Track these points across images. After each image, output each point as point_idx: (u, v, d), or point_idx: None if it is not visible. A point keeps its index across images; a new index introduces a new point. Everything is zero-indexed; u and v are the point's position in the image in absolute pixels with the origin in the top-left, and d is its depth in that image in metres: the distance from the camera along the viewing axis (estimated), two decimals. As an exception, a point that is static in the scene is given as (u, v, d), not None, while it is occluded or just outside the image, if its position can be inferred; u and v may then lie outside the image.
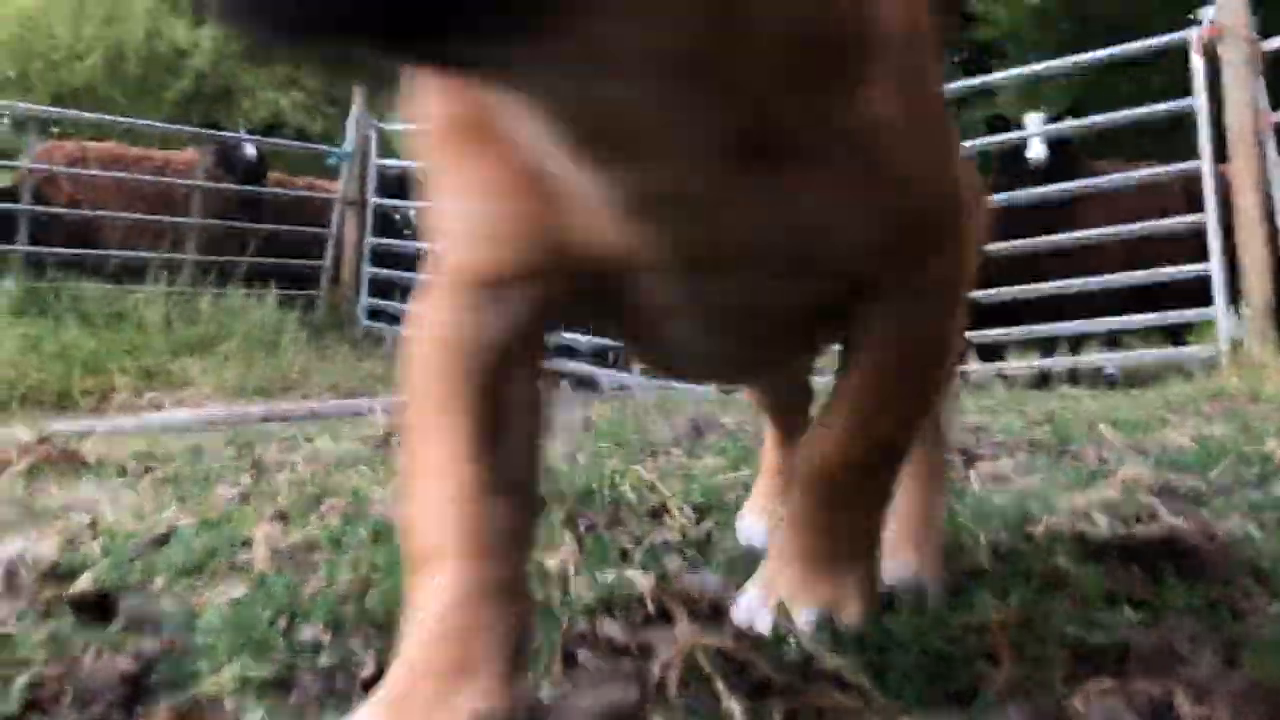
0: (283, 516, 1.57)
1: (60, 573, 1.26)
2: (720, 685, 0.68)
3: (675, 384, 7.04)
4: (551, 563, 1.12)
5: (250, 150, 8.30)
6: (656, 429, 2.91)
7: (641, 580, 0.98)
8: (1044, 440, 2.37)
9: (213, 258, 7.74)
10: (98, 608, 0.98)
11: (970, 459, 2.04)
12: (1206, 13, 5.08)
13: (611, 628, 0.86)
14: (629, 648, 0.83)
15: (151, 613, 1.01)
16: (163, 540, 1.48)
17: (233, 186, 8.16)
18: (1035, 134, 6.41)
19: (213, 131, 8.76)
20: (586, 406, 4.55)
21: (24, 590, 1.16)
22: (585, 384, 8.93)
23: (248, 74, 19.68)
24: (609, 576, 1.00)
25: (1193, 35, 5.08)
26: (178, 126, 11.79)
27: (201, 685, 0.80)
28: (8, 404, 4.71)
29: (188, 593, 1.15)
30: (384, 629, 0.94)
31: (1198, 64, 5.09)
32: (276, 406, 5.28)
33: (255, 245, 7.85)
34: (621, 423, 3.17)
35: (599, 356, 9.42)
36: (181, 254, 7.69)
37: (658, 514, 1.56)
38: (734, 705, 0.66)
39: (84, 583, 1.13)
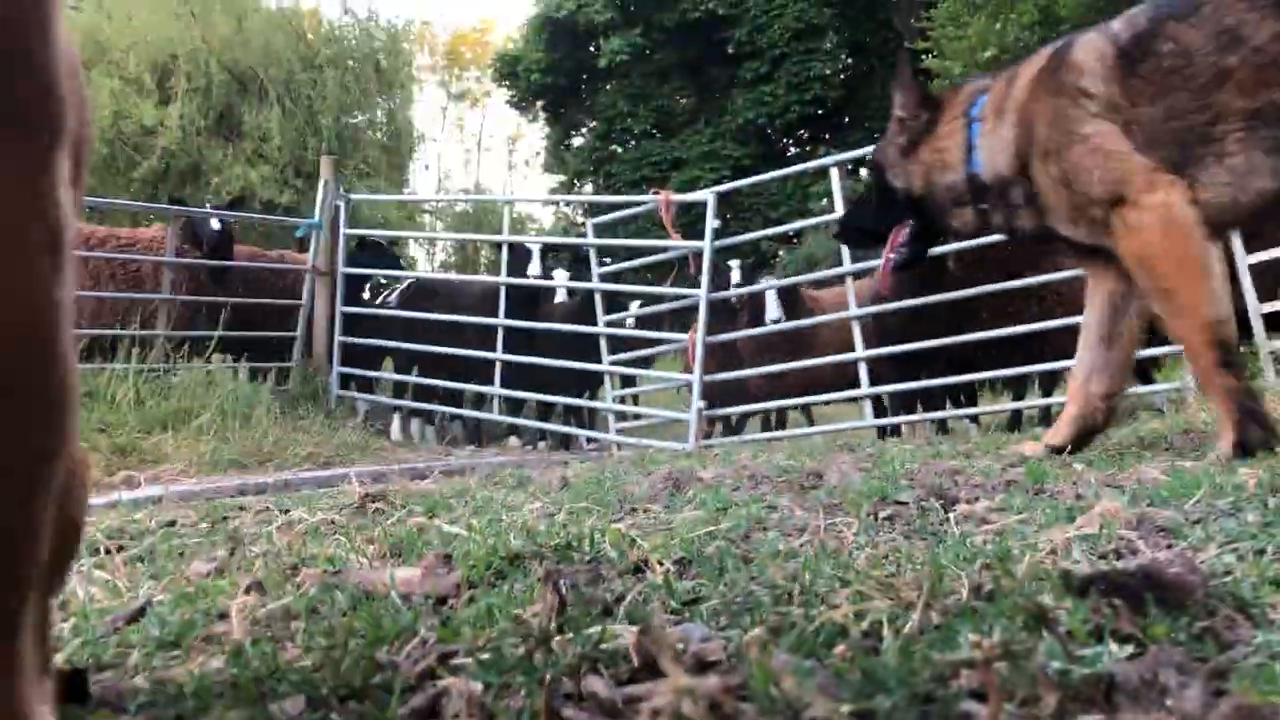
0: (259, 587, 1.55)
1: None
2: (707, 731, 0.67)
3: (653, 441, 7.04)
4: (533, 620, 1.10)
5: (215, 224, 8.30)
6: (634, 485, 2.90)
7: (625, 634, 0.97)
8: (1020, 480, 2.38)
9: (184, 332, 7.72)
10: (71, 687, 0.96)
11: (948, 501, 2.04)
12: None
13: (596, 683, 0.84)
14: (615, 703, 0.82)
15: (126, 689, 0.99)
16: (137, 616, 1.46)
17: (200, 260, 8.16)
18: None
19: (178, 208, 8.75)
20: (563, 465, 4.53)
21: None
22: (561, 443, 8.92)
23: (216, 150, 19.77)
24: (592, 632, 0.99)
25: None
26: (142, 204, 11.79)
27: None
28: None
29: (164, 668, 1.13)
30: (363, 696, 0.92)
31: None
32: (250, 479, 5.23)
33: (227, 318, 7.83)
34: (599, 480, 3.16)
35: (574, 414, 9.42)
36: (152, 329, 7.65)
37: (639, 569, 1.55)
38: (722, 752, 0.65)
39: (59, 660, 1.10)
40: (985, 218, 3.22)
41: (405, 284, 9.55)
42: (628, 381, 9.17)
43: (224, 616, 1.37)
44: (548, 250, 9.21)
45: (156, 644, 1.24)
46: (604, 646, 0.96)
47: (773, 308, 8.18)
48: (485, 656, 0.94)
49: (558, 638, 0.99)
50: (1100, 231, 2.92)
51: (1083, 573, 1.09)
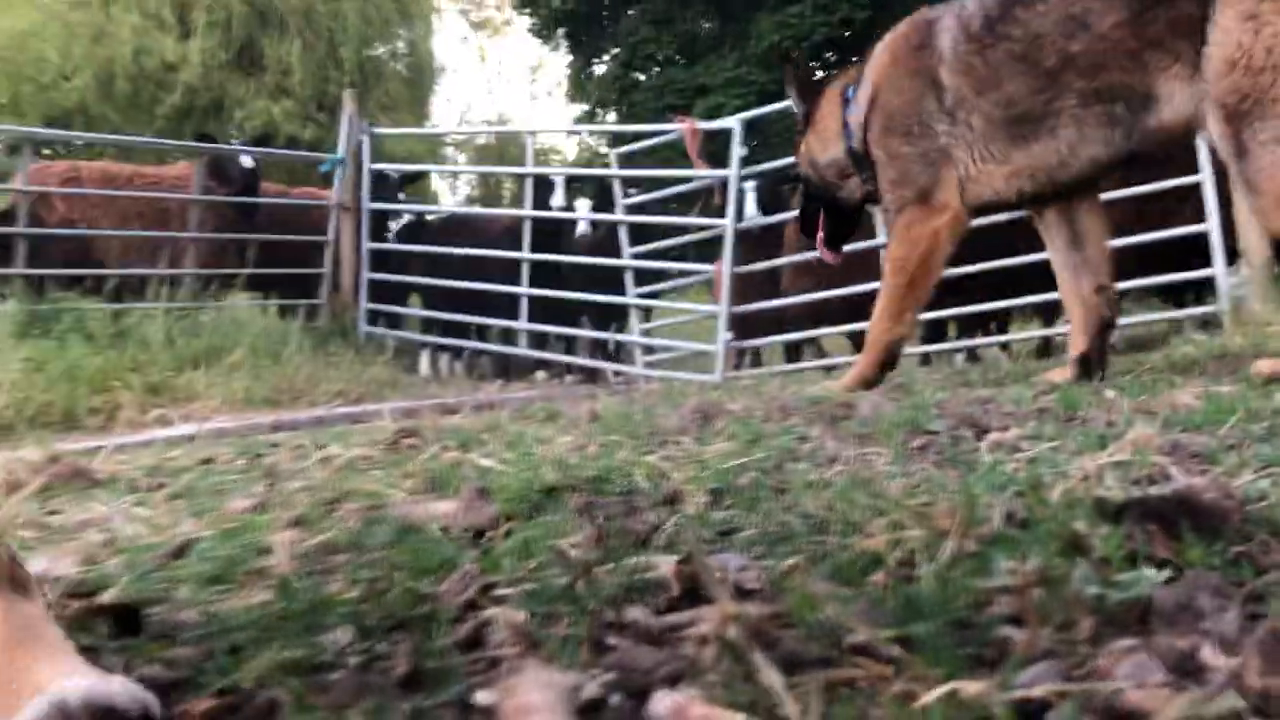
0: (300, 522, 1.58)
1: (83, 589, 1.27)
2: (756, 659, 0.69)
3: (680, 373, 7.06)
4: (573, 551, 1.12)
5: (247, 160, 8.29)
6: (664, 418, 2.91)
7: (664, 564, 0.99)
8: (1052, 408, 2.37)
9: (213, 270, 7.76)
10: (126, 620, 0.99)
11: (980, 430, 2.04)
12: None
13: (638, 612, 0.86)
14: (658, 630, 0.83)
15: (177, 622, 1.02)
16: (181, 552, 1.49)
17: (229, 198, 8.18)
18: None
19: (207, 145, 8.74)
20: (592, 399, 4.56)
21: (50, 607, 1.17)
22: (588, 376, 8.95)
23: (238, 85, 19.68)
24: (631, 562, 1.01)
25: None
26: (169, 142, 11.80)
27: (239, 678, 0.81)
28: (15, 426, 4.73)
29: (212, 601, 1.16)
30: (409, 627, 0.94)
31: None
32: (283, 416, 5.29)
33: (255, 255, 7.86)
34: (628, 414, 3.17)
35: (599, 348, 9.44)
36: (180, 268, 7.70)
37: (673, 500, 1.57)
38: (772, 678, 0.66)
39: (110, 595, 1.13)
40: (865, 187, 3.57)
41: (404, 219, 9.51)
42: (652, 314, 9.15)
43: (267, 551, 1.40)
44: (571, 181, 9.15)
45: (203, 578, 1.27)
46: (643, 576, 0.97)
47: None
48: (529, 586, 0.95)
49: (598, 568, 1.00)
50: (889, 213, 3.40)
51: (1117, 499, 1.09)
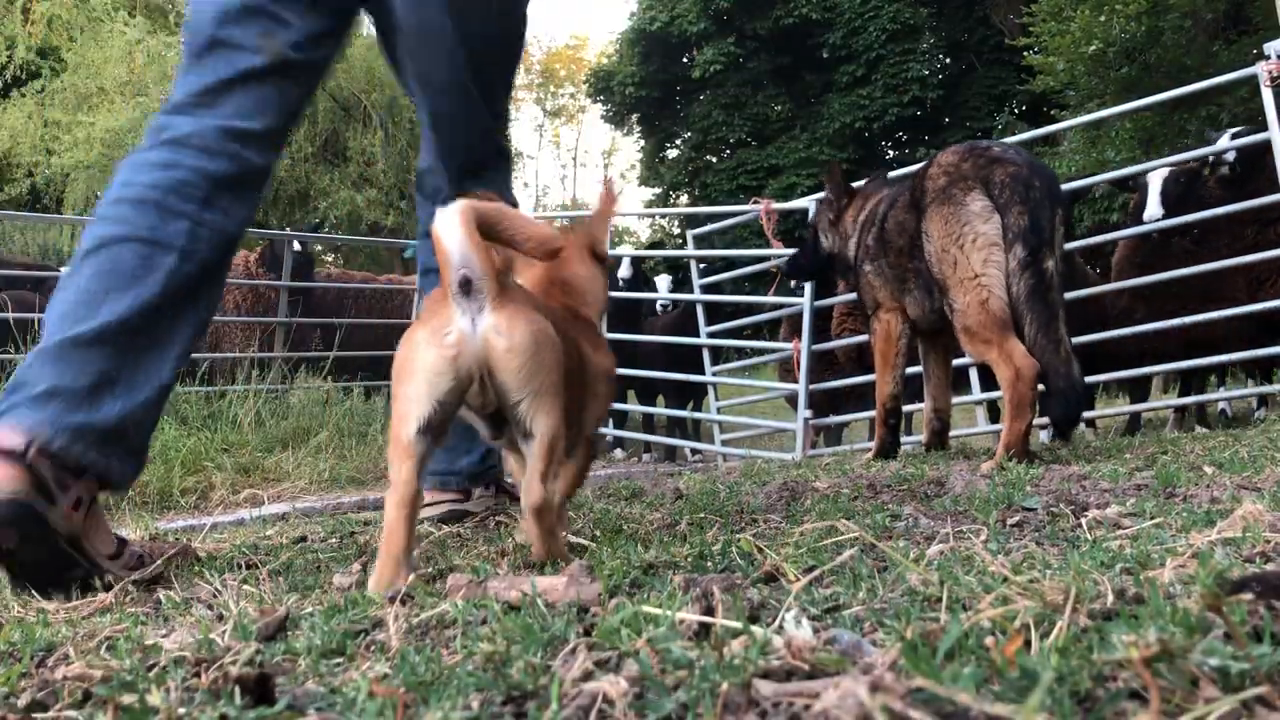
0: (406, 598, 1.61)
1: (207, 661, 1.31)
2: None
3: (759, 452, 7.04)
4: (683, 626, 1.14)
5: (295, 246, 8.56)
6: (750, 496, 2.92)
7: (777, 640, 1.00)
8: (1149, 484, 2.34)
9: (299, 354, 7.97)
10: (259, 690, 1.02)
11: (1078, 507, 2.02)
12: (1274, 46, 5.04)
13: (766, 687, 0.87)
14: (784, 704, 0.85)
15: (310, 692, 1.05)
16: (292, 626, 1.52)
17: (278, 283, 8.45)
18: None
19: (260, 231, 9.11)
20: (673, 477, 4.57)
21: (175, 679, 1.21)
22: (666, 454, 8.95)
23: (323, 175, 20.31)
24: (754, 636, 1.02)
25: (1261, 69, 5.04)
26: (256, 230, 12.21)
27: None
28: (114, 505, 4.87)
29: (331, 673, 1.19)
30: (535, 696, 0.96)
31: (1268, 97, 5.04)
32: (369, 495, 5.39)
33: (341, 339, 8.07)
34: (713, 492, 3.19)
35: (678, 426, 9.45)
36: (270, 352, 7.92)
37: (772, 578, 1.57)
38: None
39: (239, 667, 1.17)
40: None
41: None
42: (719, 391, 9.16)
43: (378, 625, 1.44)
44: (643, 260, 9.35)
45: (320, 652, 1.30)
46: (765, 653, 0.98)
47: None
48: (648, 659, 0.97)
49: (713, 642, 1.02)
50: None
51: (1235, 574, 1.08)
